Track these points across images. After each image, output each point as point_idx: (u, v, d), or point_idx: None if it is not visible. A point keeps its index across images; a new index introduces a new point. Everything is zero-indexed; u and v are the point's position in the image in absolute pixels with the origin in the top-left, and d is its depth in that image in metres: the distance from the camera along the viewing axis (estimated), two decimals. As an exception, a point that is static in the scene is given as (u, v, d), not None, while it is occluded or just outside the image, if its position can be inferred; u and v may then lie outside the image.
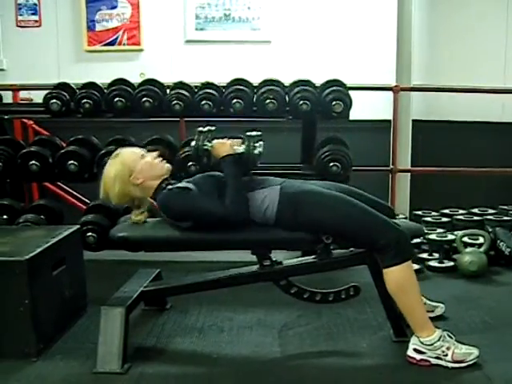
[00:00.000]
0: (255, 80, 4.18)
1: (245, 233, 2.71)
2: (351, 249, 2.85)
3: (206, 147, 2.77)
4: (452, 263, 4.03)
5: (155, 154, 2.87)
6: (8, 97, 4.94)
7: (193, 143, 2.82)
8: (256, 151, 2.74)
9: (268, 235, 2.72)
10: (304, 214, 2.63)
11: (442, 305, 3.15)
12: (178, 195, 2.68)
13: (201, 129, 2.83)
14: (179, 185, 2.74)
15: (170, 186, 2.74)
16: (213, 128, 2.87)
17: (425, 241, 4.20)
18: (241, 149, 2.76)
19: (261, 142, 2.78)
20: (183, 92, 4.02)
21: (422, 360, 2.59)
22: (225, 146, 2.74)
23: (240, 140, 2.83)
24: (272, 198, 2.67)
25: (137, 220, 2.81)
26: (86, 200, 5.20)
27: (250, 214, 2.68)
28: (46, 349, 2.79)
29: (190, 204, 2.65)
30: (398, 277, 2.57)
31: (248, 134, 2.78)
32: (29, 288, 2.67)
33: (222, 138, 2.82)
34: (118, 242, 2.79)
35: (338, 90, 4.02)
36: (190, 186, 2.70)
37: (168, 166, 2.86)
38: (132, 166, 2.76)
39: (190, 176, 2.91)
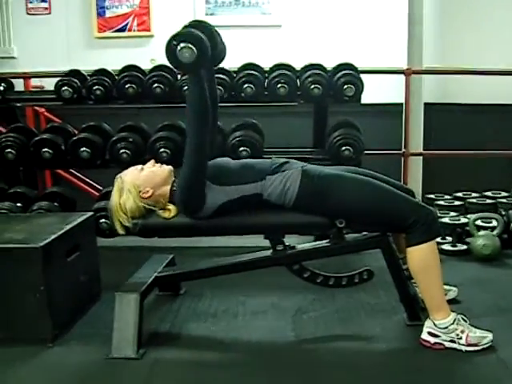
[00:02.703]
0: (266, 64, 4.17)
1: (258, 217, 2.72)
2: (364, 233, 2.86)
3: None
4: (465, 247, 4.02)
5: (151, 162, 2.85)
6: (20, 84, 4.94)
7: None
8: None
9: (281, 219, 2.73)
10: (331, 198, 2.63)
11: (454, 288, 3.14)
12: None
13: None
14: None
15: None
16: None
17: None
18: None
19: None
20: (194, 77, 4.00)
21: (436, 343, 2.60)
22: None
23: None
24: (293, 180, 2.65)
25: (165, 216, 2.75)
26: (99, 187, 5.22)
27: (266, 196, 2.68)
28: (62, 335, 2.81)
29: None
30: (424, 255, 2.58)
31: None
32: (44, 275, 2.69)
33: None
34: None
35: (350, 74, 4.01)
36: None
37: (169, 167, 2.84)
38: (137, 183, 2.74)
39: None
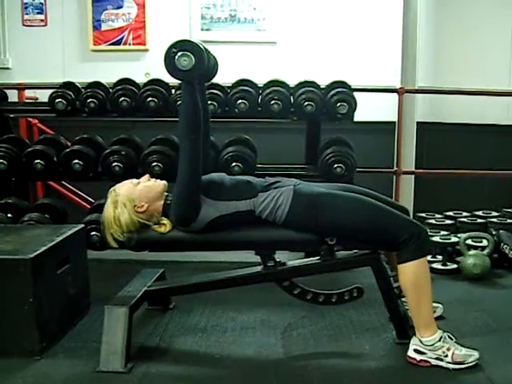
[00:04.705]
0: (260, 81, 4.19)
1: (249, 233, 2.72)
2: (355, 250, 2.87)
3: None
4: (455, 266, 4.03)
5: (146, 177, 2.84)
6: (14, 95, 4.94)
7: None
8: None
9: (272, 236, 2.72)
10: (322, 216, 2.64)
11: (440, 305, 3.16)
12: None
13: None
14: None
15: None
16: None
17: (428, 243, 4.21)
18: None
19: None
20: (188, 92, 4.01)
21: (422, 361, 2.60)
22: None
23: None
24: (285, 197, 2.66)
25: (161, 230, 2.73)
26: (91, 199, 5.21)
27: (258, 212, 2.68)
28: (50, 347, 2.80)
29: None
30: (415, 272, 2.59)
31: None
32: (33, 286, 2.67)
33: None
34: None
35: (343, 92, 4.02)
36: None
37: (163, 182, 2.83)
38: (132, 197, 2.72)
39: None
